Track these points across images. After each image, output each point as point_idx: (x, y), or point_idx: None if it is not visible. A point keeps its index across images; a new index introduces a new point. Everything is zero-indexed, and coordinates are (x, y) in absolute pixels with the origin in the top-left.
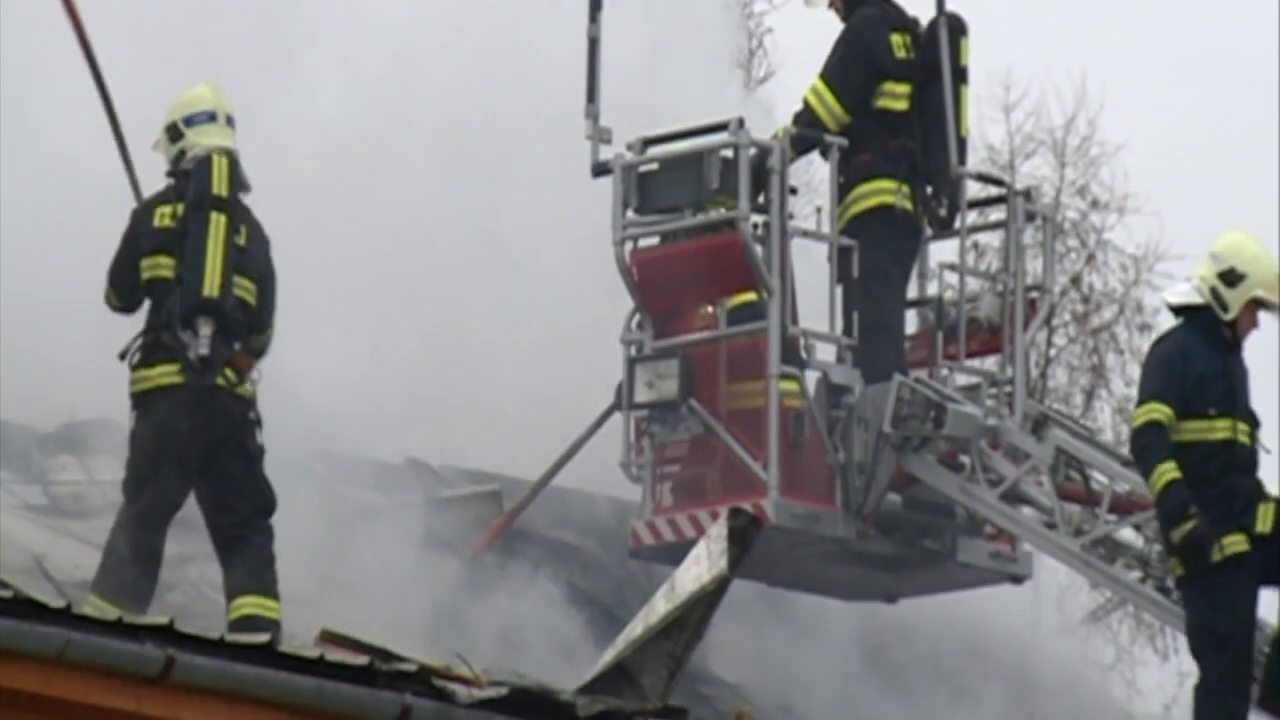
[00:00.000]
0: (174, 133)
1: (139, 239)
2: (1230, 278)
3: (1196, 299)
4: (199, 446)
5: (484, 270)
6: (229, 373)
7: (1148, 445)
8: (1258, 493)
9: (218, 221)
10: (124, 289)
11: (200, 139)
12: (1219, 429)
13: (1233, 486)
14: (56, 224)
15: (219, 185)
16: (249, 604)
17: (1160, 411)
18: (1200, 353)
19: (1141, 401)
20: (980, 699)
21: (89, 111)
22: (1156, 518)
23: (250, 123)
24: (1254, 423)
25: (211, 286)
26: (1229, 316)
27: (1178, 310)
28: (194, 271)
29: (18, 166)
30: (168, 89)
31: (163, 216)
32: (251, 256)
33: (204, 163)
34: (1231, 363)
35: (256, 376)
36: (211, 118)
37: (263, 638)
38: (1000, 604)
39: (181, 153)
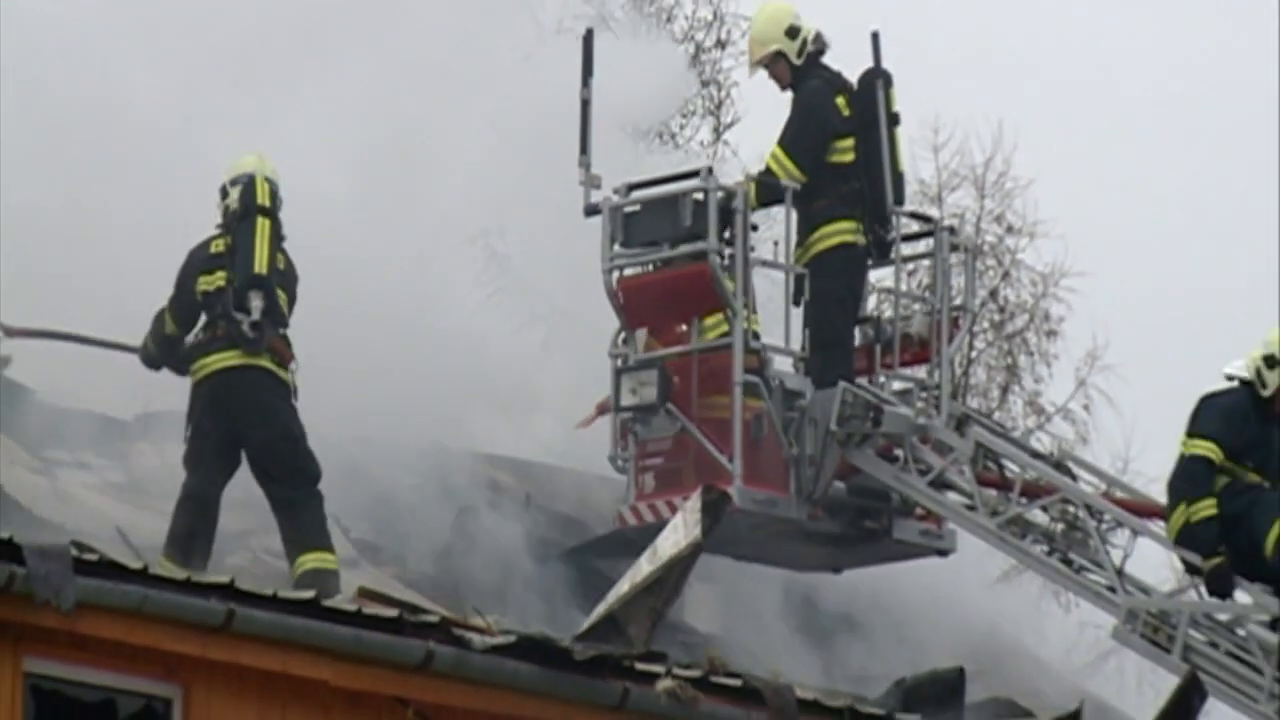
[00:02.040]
0: (223, 192)
1: (195, 268)
2: (1271, 362)
3: (1245, 374)
4: (246, 420)
5: (494, 285)
6: (272, 357)
7: (1194, 476)
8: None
9: (263, 224)
10: (183, 317)
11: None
12: (1251, 479)
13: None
14: (141, 241)
15: (262, 198)
16: (312, 559)
17: (1214, 451)
18: (1249, 417)
19: (1197, 436)
20: (916, 646)
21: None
22: (1186, 543)
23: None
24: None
25: (260, 265)
26: (1266, 394)
27: (1230, 378)
28: (245, 256)
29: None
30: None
31: (216, 246)
32: (286, 276)
33: (249, 183)
34: (1271, 431)
35: (294, 367)
36: (252, 179)
37: (309, 594)
38: (930, 572)
39: (227, 208)
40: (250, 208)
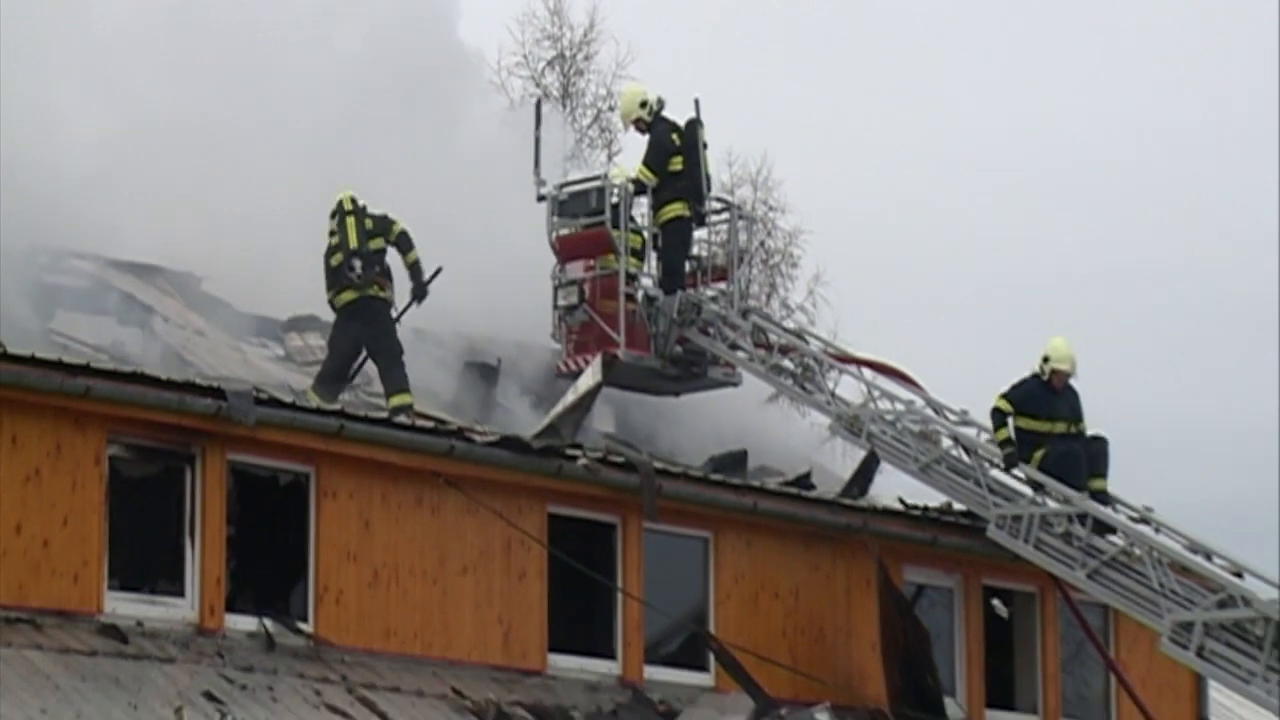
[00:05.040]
0: (332, 215)
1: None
2: (1046, 359)
3: (1036, 369)
4: (362, 329)
5: (477, 244)
6: (375, 288)
7: (995, 417)
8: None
9: (350, 222)
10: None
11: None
12: (1040, 425)
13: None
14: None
15: (347, 205)
16: (397, 399)
17: (1006, 407)
18: (1037, 395)
19: (1004, 395)
20: (719, 438)
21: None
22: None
23: None
24: (1074, 420)
25: (352, 242)
26: (1044, 378)
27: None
28: (343, 239)
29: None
30: None
31: (332, 240)
32: (374, 231)
33: (342, 217)
34: (1054, 399)
35: (391, 288)
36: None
37: (385, 415)
38: (727, 396)
39: (333, 214)
40: (338, 208)
